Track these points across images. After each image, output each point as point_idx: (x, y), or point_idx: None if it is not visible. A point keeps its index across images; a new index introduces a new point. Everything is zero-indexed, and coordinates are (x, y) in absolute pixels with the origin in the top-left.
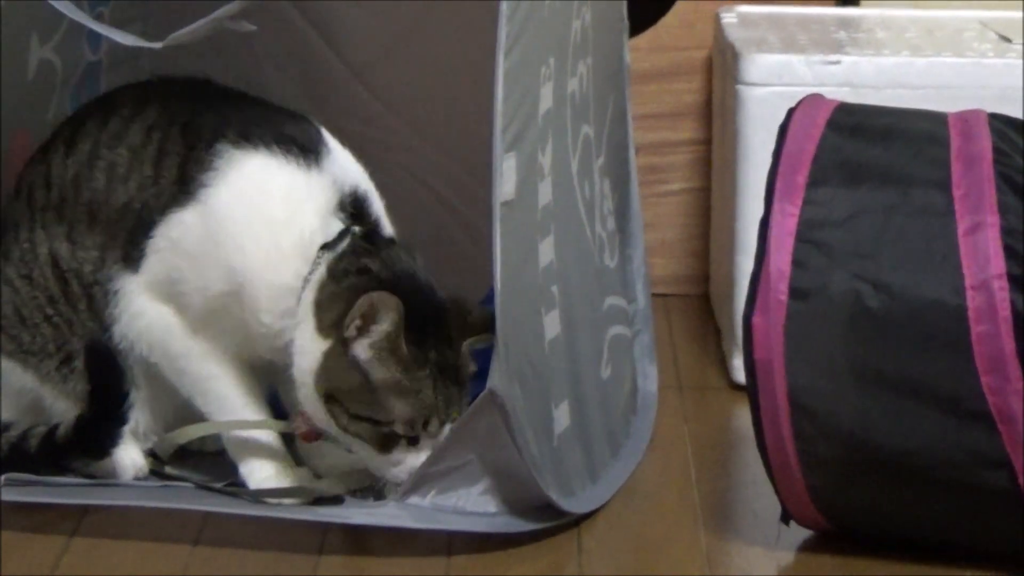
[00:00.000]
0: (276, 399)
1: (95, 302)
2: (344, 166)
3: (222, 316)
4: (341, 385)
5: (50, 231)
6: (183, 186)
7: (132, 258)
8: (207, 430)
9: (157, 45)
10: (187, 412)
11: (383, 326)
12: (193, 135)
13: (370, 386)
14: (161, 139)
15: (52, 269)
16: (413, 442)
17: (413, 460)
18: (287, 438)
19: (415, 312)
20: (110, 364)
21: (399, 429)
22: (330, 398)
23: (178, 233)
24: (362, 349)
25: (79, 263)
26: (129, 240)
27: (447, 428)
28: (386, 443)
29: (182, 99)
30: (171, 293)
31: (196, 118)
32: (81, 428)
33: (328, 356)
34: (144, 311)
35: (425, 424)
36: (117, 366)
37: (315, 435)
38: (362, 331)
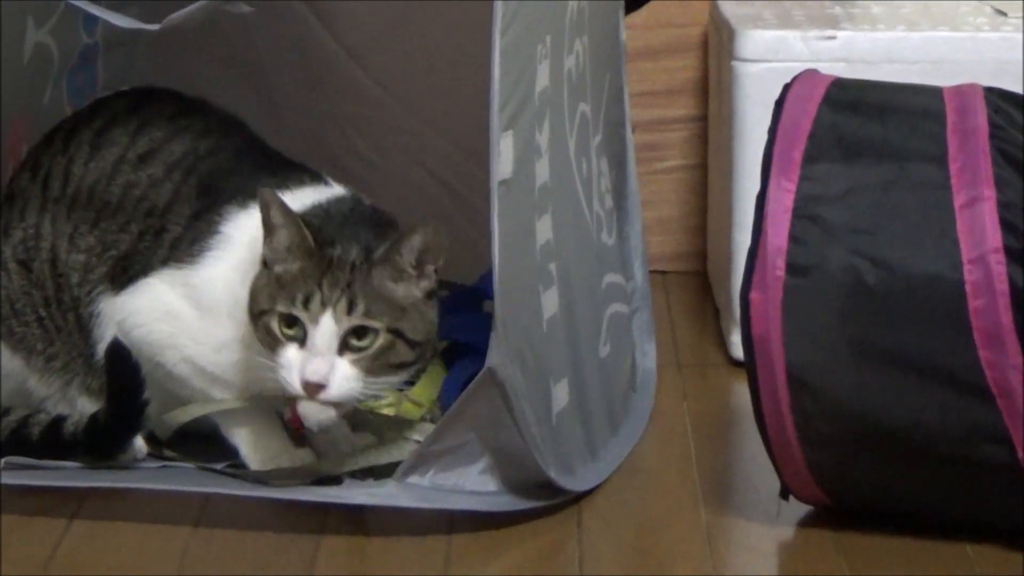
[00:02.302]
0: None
1: (80, 320)
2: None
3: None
4: (255, 291)
5: (57, 227)
6: (191, 245)
7: (119, 281)
8: (205, 410)
9: (154, 27)
10: (178, 396)
11: (277, 224)
12: (210, 195)
13: (271, 279)
14: (179, 182)
15: (51, 268)
16: (302, 345)
17: (299, 360)
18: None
19: (332, 219)
20: (132, 370)
21: (280, 307)
22: (251, 313)
23: (180, 292)
24: (269, 251)
25: (70, 269)
26: (121, 263)
27: (327, 316)
28: (274, 342)
29: (211, 139)
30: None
31: (216, 177)
32: (93, 430)
33: (255, 279)
34: (132, 329)
35: (306, 303)
36: (139, 374)
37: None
38: (267, 236)
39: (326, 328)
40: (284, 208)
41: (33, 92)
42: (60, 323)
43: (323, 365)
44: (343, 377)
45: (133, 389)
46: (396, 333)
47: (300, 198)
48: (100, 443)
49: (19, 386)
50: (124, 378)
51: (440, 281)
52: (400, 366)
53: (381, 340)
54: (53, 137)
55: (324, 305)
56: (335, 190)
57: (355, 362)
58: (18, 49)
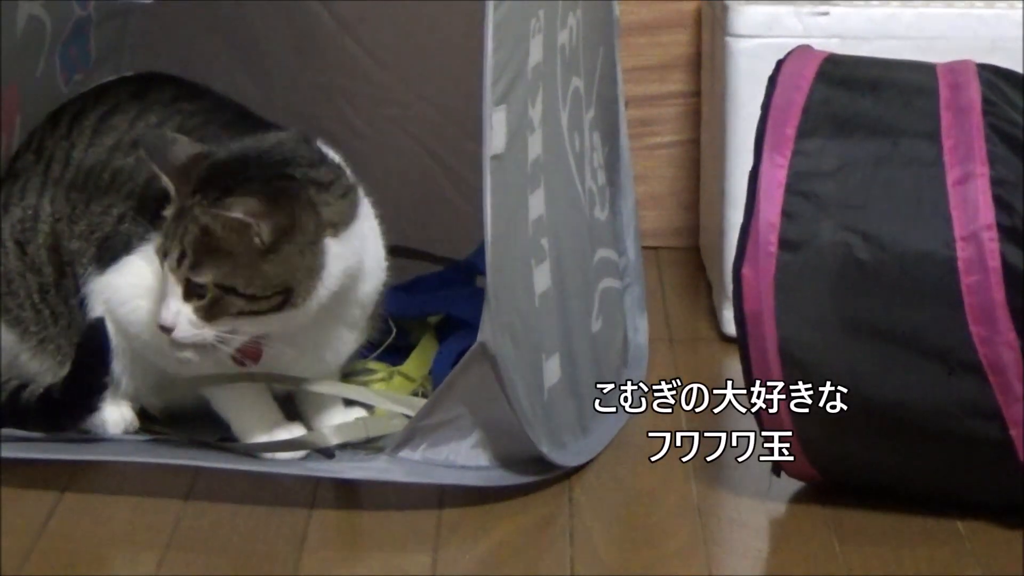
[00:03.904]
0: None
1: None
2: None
3: None
4: None
5: (56, 208)
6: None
7: (103, 260)
8: (194, 384)
9: (147, 0)
10: (166, 372)
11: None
12: None
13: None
14: None
15: (49, 254)
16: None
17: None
18: (278, 395)
19: (209, 168)
20: (103, 352)
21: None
22: None
23: (158, 267)
24: None
25: (72, 256)
26: (104, 243)
27: (167, 266)
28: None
29: (198, 118)
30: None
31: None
32: (46, 401)
33: None
34: (117, 307)
35: (159, 248)
36: (109, 357)
37: (250, 357)
38: None
39: (169, 276)
40: (145, 155)
41: (26, 64)
42: (60, 310)
43: (168, 311)
44: (186, 322)
45: (98, 370)
46: (224, 289)
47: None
48: (51, 415)
49: (12, 359)
50: (93, 357)
51: (432, 255)
52: (247, 313)
53: (210, 295)
54: (58, 119)
55: (167, 254)
56: (289, 134)
57: (197, 309)
58: (11, 20)
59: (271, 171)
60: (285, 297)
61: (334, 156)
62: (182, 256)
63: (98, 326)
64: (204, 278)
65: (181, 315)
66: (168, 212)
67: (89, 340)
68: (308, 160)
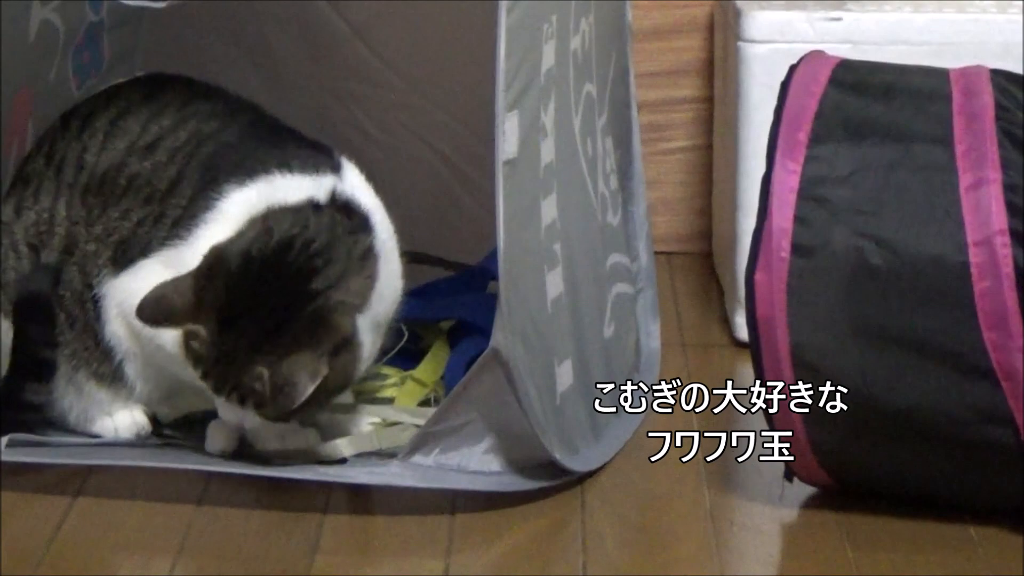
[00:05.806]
0: None
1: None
2: (351, 181)
3: None
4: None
5: (72, 212)
6: (188, 223)
7: (119, 263)
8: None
9: (160, 5)
10: (179, 378)
11: None
12: (211, 174)
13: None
14: (182, 165)
15: (63, 257)
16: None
17: (223, 410)
18: None
19: (272, 265)
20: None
21: (191, 368)
22: None
23: (176, 272)
24: None
25: (84, 259)
26: (121, 247)
27: (222, 400)
28: None
29: (216, 121)
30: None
31: (218, 156)
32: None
33: None
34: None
35: (205, 377)
36: (50, 327)
37: None
38: None
39: (223, 404)
40: (151, 327)
41: (39, 69)
42: (76, 313)
43: (233, 416)
44: (253, 418)
45: (39, 341)
46: None
47: (290, 189)
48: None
49: None
50: (32, 328)
51: (445, 260)
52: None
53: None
54: (68, 122)
55: (219, 392)
56: (327, 184)
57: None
58: (24, 26)
59: (298, 296)
60: (344, 387)
61: (350, 167)
62: (243, 400)
63: (31, 299)
64: (269, 415)
65: (247, 416)
66: (198, 347)
67: (25, 312)
68: (325, 246)
